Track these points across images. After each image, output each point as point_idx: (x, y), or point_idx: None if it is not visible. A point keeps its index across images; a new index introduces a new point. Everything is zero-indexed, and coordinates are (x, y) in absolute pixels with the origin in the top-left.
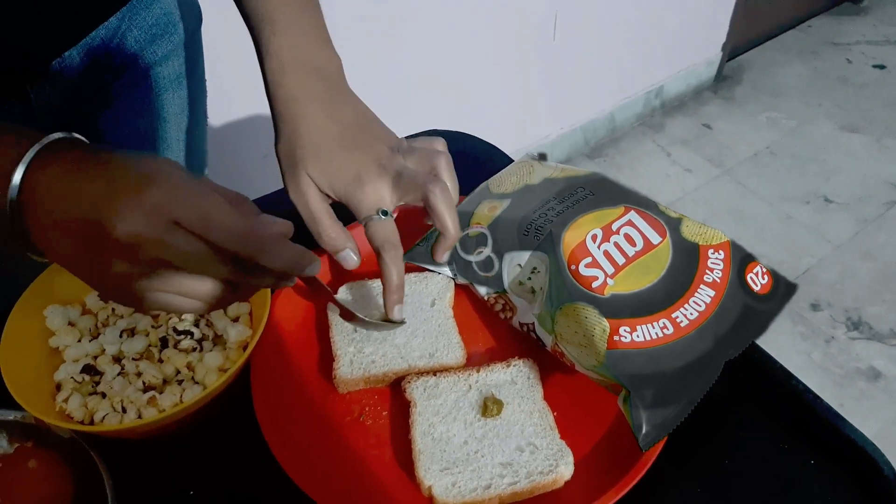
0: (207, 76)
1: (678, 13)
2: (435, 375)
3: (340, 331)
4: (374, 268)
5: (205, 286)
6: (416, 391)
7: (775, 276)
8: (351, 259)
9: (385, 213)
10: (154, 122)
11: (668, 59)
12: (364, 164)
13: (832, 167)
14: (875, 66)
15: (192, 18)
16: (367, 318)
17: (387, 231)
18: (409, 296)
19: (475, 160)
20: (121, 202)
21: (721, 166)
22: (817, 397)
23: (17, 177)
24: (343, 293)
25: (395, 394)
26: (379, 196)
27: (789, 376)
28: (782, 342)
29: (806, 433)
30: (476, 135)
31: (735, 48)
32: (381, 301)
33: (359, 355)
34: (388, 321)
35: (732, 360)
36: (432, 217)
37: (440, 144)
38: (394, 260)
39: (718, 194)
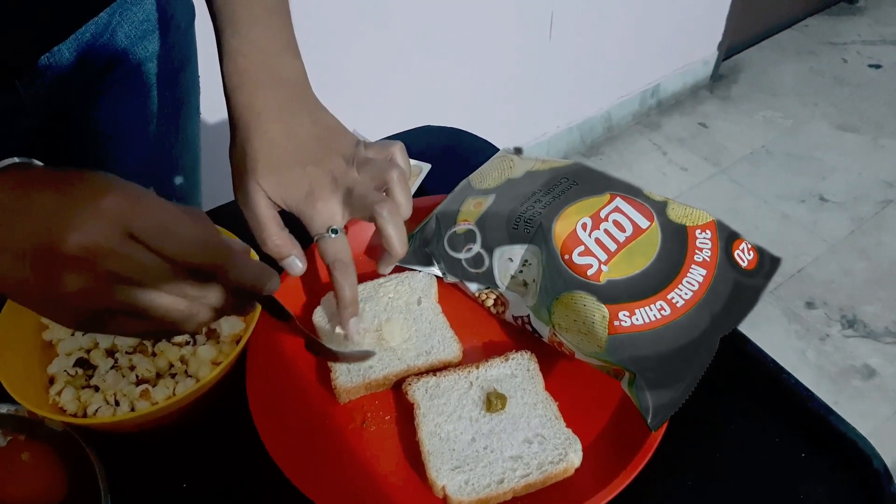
0: (201, 72)
1: (674, 12)
2: (435, 375)
3: (330, 340)
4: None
5: (163, 303)
6: (418, 393)
7: (760, 252)
8: (296, 266)
9: (335, 230)
10: (146, 117)
11: (664, 57)
12: (317, 179)
13: (828, 166)
14: (871, 66)
15: (185, 14)
16: (336, 349)
17: (337, 248)
18: (395, 297)
19: (467, 155)
20: (73, 211)
21: (717, 165)
22: (808, 391)
23: None
24: (323, 303)
25: (396, 397)
26: (330, 213)
27: (780, 370)
28: (777, 340)
29: (797, 426)
30: (473, 133)
31: (731, 47)
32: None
33: (355, 363)
34: (357, 352)
35: (725, 354)
36: (380, 235)
37: (398, 153)
38: (345, 276)
39: (714, 193)
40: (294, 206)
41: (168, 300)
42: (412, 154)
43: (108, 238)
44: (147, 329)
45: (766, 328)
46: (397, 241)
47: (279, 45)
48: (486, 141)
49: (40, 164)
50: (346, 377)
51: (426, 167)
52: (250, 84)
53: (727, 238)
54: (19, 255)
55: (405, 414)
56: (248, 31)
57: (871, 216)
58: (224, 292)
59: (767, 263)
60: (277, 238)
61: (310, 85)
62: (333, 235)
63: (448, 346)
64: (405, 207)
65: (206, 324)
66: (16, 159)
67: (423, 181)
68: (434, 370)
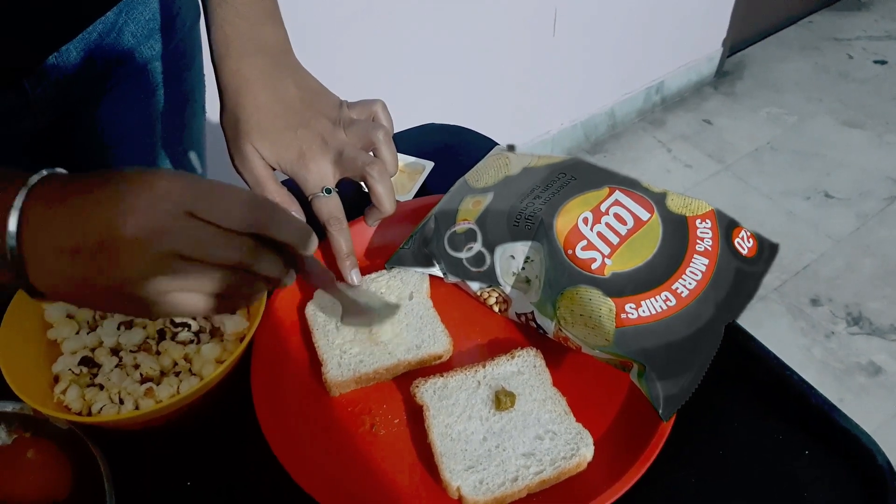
0: (206, 70)
1: (679, 8)
2: (442, 376)
3: (324, 335)
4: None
5: (215, 279)
6: (426, 394)
7: (759, 239)
8: None
9: (329, 190)
10: (151, 115)
11: (668, 54)
12: (308, 141)
13: (833, 162)
14: (876, 62)
15: (191, 12)
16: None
17: (331, 206)
18: (387, 292)
19: (470, 153)
20: (132, 197)
21: (722, 162)
22: (812, 388)
23: (13, 224)
24: (318, 297)
25: (404, 400)
26: (322, 174)
27: (784, 367)
28: (782, 337)
29: (800, 424)
30: (476, 131)
31: (736, 43)
32: (364, 298)
33: (345, 356)
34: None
35: (729, 351)
36: (370, 193)
37: (380, 112)
38: (340, 232)
39: (719, 190)
40: (288, 168)
41: (225, 273)
42: (414, 152)
43: (170, 217)
44: (204, 306)
45: (770, 325)
46: (386, 199)
47: (262, 14)
48: (490, 139)
49: (64, 171)
50: (336, 371)
51: (429, 165)
52: (237, 52)
53: (727, 226)
54: (74, 253)
55: (413, 416)
56: (234, 1)
57: (876, 212)
58: (273, 256)
59: (767, 250)
60: (276, 194)
61: (292, 51)
62: (327, 195)
63: (438, 340)
64: (392, 165)
65: (257, 297)
66: (44, 172)
67: (426, 179)
68: (424, 364)
